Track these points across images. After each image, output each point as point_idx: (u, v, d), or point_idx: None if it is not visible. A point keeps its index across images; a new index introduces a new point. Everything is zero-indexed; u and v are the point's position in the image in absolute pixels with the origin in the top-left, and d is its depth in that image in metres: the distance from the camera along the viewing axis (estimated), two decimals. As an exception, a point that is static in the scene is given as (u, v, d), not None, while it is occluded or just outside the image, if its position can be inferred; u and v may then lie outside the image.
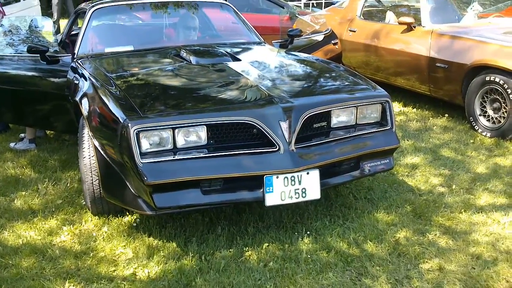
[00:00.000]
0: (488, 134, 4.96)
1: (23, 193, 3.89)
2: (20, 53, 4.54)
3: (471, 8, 6.18)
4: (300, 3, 14.19)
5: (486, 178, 4.05)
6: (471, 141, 4.88)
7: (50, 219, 3.47)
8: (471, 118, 5.15)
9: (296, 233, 3.21)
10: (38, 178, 4.16)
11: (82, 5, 5.40)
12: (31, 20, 5.67)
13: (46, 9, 14.61)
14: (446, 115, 5.63)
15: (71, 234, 3.27)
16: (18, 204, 3.72)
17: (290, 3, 11.80)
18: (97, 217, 3.45)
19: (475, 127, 5.12)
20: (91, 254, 3.04)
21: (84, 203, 3.62)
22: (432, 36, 5.55)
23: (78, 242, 3.18)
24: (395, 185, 3.92)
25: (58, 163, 4.47)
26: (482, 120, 5.06)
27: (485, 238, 3.17)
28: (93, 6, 4.69)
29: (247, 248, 3.06)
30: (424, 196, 3.75)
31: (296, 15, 8.08)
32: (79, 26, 5.39)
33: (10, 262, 2.97)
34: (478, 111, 5.08)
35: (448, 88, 5.43)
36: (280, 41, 5.00)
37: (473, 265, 2.91)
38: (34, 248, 3.10)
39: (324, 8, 12.11)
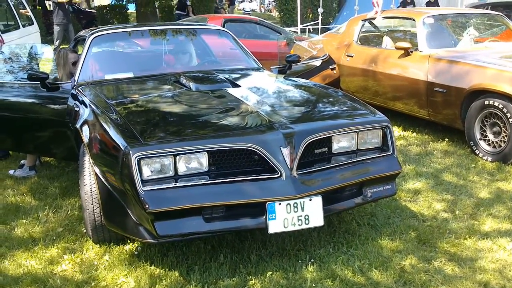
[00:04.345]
0: (489, 159, 4.96)
1: (24, 221, 3.85)
2: (20, 80, 4.55)
3: (467, 33, 6.25)
4: (297, 29, 14.34)
5: (489, 203, 4.03)
6: (473, 165, 4.88)
7: (51, 247, 3.43)
8: (471, 142, 5.16)
9: (299, 261, 3.17)
10: (38, 205, 4.13)
11: (82, 32, 5.44)
12: (31, 47, 5.70)
13: (45, 36, 14.75)
14: (446, 139, 5.64)
15: (72, 263, 3.22)
16: (18, 232, 3.68)
17: (287, 29, 11.94)
18: (98, 245, 3.41)
19: (475, 151, 5.12)
20: (92, 284, 3.00)
21: (85, 231, 3.58)
22: (430, 60, 5.59)
23: (79, 271, 3.13)
24: (398, 211, 3.89)
25: (58, 190, 4.44)
26: (483, 144, 5.07)
27: (492, 265, 3.13)
28: (92, 33, 4.72)
29: (250, 277, 3.02)
30: (428, 222, 3.73)
31: (294, 40, 8.16)
32: (79, 53, 5.41)
33: (10, 292, 2.92)
34: (478, 135, 5.09)
35: (447, 113, 5.45)
36: (278, 66, 5.02)
37: (479, 292, 2.87)
38: (35, 278, 3.05)
39: (321, 33, 12.23)
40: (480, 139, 5.09)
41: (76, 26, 15.20)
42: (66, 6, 12.01)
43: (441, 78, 5.41)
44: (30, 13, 10.73)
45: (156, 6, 18.47)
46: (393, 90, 6.15)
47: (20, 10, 10.34)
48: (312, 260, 3.17)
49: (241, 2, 38.67)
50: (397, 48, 5.96)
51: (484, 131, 5.05)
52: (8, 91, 4.38)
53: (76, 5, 14.61)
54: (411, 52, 5.85)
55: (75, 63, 4.96)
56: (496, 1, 10.67)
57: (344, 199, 3.26)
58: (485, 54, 5.52)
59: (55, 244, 3.47)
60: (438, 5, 14.83)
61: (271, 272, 3.05)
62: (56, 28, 11.91)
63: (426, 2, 15.34)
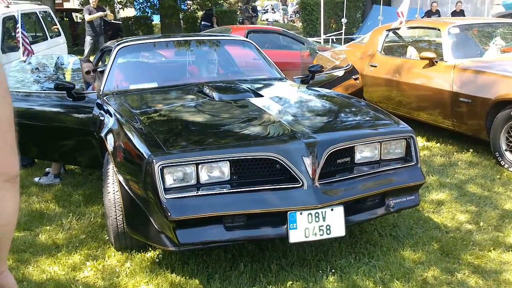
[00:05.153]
0: (515, 170, 4.87)
1: (48, 227, 3.92)
2: (47, 90, 4.64)
3: (494, 43, 6.18)
4: (320, 39, 14.33)
5: (514, 215, 3.95)
6: (498, 176, 4.80)
7: (74, 254, 3.48)
8: (496, 153, 5.08)
9: (320, 271, 3.15)
10: (62, 212, 4.19)
11: (108, 43, 5.54)
12: (58, 58, 5.82)
13: (72, 47, 15.05)
14: (471, 150, 5.56)
15: (95, 270, 3.26)
16: (42, 238, 3.74)
17: (310, 39, 11.95)
18: (120, 252, 3.45)
19: (501, 162, 5.03)
20: (114, 291, 3.03)
21: (107, 238, 3.62)
22: (455, 71, 5.53)
23: (101, 278, 3.17)
24: (421, 222, 3.84)
25: (82, 197, 4.50)
26: (508, 155, 4.98)
27: (517, 278, 3.07)
28: (118, 44, 4.81)
29: (270, 286, 3.01)
30: (451, 233, 3.67)
31: (317, 51, 8.16)
32: (106, 63, 5.52)
33: (34, 298, 2.97)
34: (503, 146, 5.01)
35: (472, 123, 5.37)
36: (301, 76, 5.03)
37: (504, 305, 2.82)
38: (58, 284, 3.09)
39: (344, 43, 12.21)
40: (506, 150, 5.00)
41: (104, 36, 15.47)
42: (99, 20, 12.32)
43: (466, 88, 5.34)
44: (59, 26, 10.98)
45: (180, 17, 18.69)
46: (417, 100, 6.10)
47: (53, 27, 10.61)
48: (333, 271, 3.15)
49: (265, 12, 38.88)
50: (422, 58, 5.91)
51: (510, 142, 4.96)
52: (35, 100, 4.47)
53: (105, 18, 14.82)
54: (436, 62, 5.80)
55: (88, 72, 5.05)
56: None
57: (366, 210, 3.24)
58: (512, 64, 5.44)
59: (78, 251, 3.52)
60: (464, 15, 14.68)
61: (291, 282, 3.03)
62: (87, 39, 12.26)
63: (452, 12, 15.20)
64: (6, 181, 1.12)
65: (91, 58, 10.83)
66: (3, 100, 1.12)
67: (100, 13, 12.04)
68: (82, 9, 14.30)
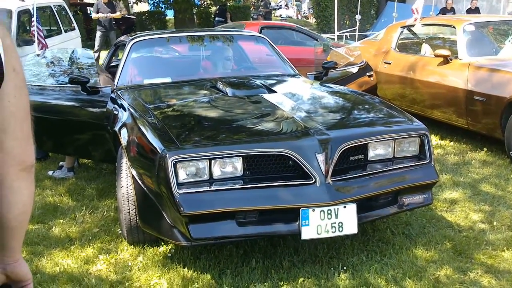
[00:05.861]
0: (530, 169, 4.82)
1: (61, 220, 3.95)
2: (61, 84, 4.67)
3: (509, 41, 6.11)
4: (334, 36, 14.27)
5: (529, 215, 3.91)
6: (512, 176, 4.76)
7: (87, 247, 3.50)
8: (511, 152, 5.03)
9: (332, 268, 3.15)
10: (75, 206, 4.22)
11: (122, 37, 5.56)
12: (72, 52, 5.86)
13: (86, 41, 15.15)
14: (485, 149, 5.51)
15: (107, 263, 3.28)
16: (56, 231, 3.77)
17: (324, 36, 11.89)
18: (132, 246, 3.46)
19: (515, 161, 4.99)
20: (126, 284, 3.04)
21: (120, 232, 3.64)
22: (470, 69, 5.48)
23: (114, 271, 3.19)
24: (434, 221, 3.82)
25: (95, 191, 4.53)
26: (523, 154, 4.93)
27: (531, 278, 3.04)
28: (132, 39, 4.82)
29: (282, 282, 3.01)
30: (464, 232, 3.65)
31: (330, 47, 8.12)
32: (119, 58, 5.54)
33: (47, 289, 3.00)
34: (518, 146, 4.96)
35: (486, 122, 5.33)
36: (314, 73, 5.01)
37: (518, 306, 2.79)
38: (71, 276, 3.12)
39: (358, 40, 12.14)
40: (521, 149, 4.95)
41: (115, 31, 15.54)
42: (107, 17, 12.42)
43: (481, 86, 5.29)
44: (74, 22, 11.05)
45: (194, 12, 18.72)
46: (431, 98, 6.06)
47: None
48: (345, 268, 3.14)
49: (278, 8, 38.80)
50: (436, 56, 5.86)
51: (525, 141, 4.91)
52: (50, 94, 4.49)
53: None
54: (451, 60, 5.75)
55: None
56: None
57: (379, 207, 3.23)
58: (527, 62, 5.37)
59: (91, 244, 3.54)
60: (479, 13, 14.54)
61: (303, 279, 3.03)
62: (97, 33, 12.37)
63: (467, 10, 15.07)
64: (22, 170, 1.13)
65: (103, 53, 10.93)
66: (20, 90, 1.12)
67: (101, 15, 12.12)
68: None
